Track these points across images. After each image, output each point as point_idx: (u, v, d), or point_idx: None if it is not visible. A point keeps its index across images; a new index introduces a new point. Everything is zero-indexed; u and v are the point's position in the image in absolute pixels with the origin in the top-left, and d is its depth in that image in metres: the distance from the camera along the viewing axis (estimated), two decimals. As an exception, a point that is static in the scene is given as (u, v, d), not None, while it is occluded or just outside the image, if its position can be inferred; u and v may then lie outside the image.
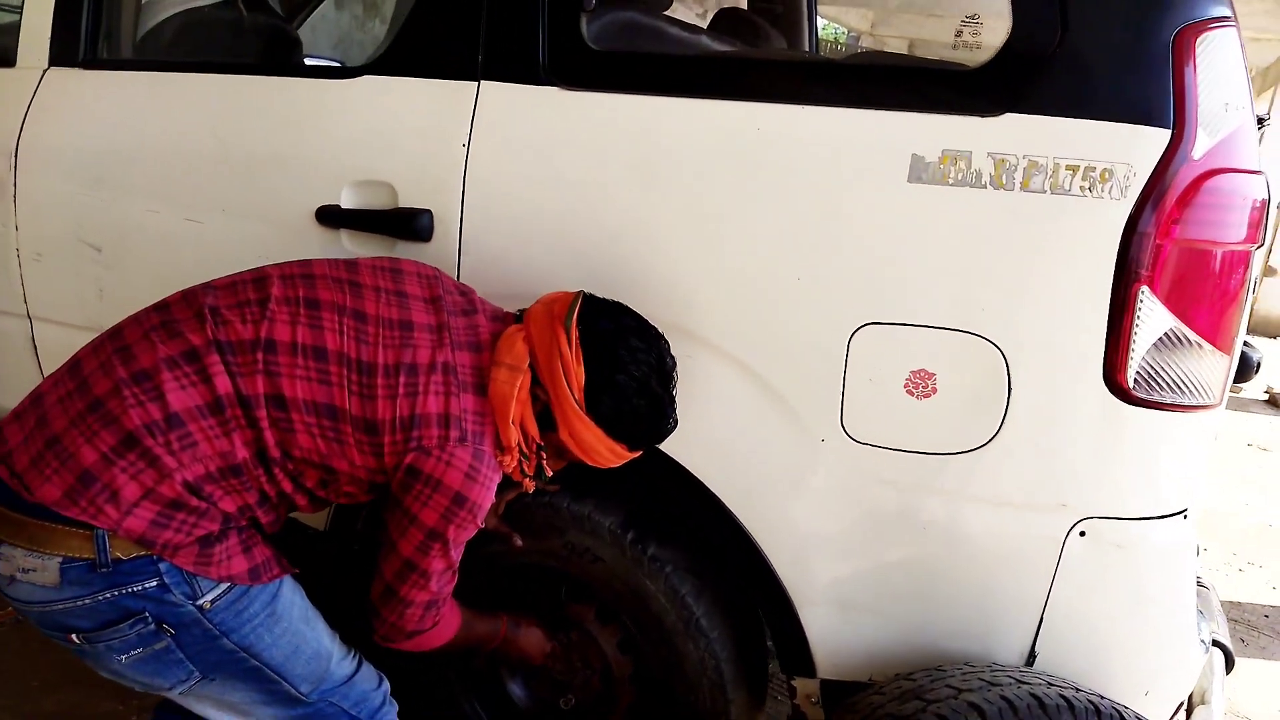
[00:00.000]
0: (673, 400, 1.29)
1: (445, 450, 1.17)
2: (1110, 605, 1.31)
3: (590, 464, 1.30)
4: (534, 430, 1.25)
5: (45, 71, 1.85)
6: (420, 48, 1.54)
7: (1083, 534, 1.28)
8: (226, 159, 1.65)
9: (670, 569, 1.47)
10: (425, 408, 1.18)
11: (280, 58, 2.11)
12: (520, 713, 1.72)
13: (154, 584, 1.10)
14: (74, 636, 1.12)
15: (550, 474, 1.30)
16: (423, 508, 1.18)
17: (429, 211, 1.49)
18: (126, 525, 1.08)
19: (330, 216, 1.56)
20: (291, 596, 1.23)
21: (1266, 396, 6.46)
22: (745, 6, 2.78)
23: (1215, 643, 1.63)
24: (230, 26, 2.07)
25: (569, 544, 1.51)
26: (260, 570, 1.17)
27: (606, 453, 1.27)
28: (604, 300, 1.30)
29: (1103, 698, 1.20)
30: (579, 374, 1.22)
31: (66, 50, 1.83)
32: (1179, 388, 1.25)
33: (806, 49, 2.79)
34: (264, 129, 1.64)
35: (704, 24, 2.47)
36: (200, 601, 1.13)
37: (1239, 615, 3.13)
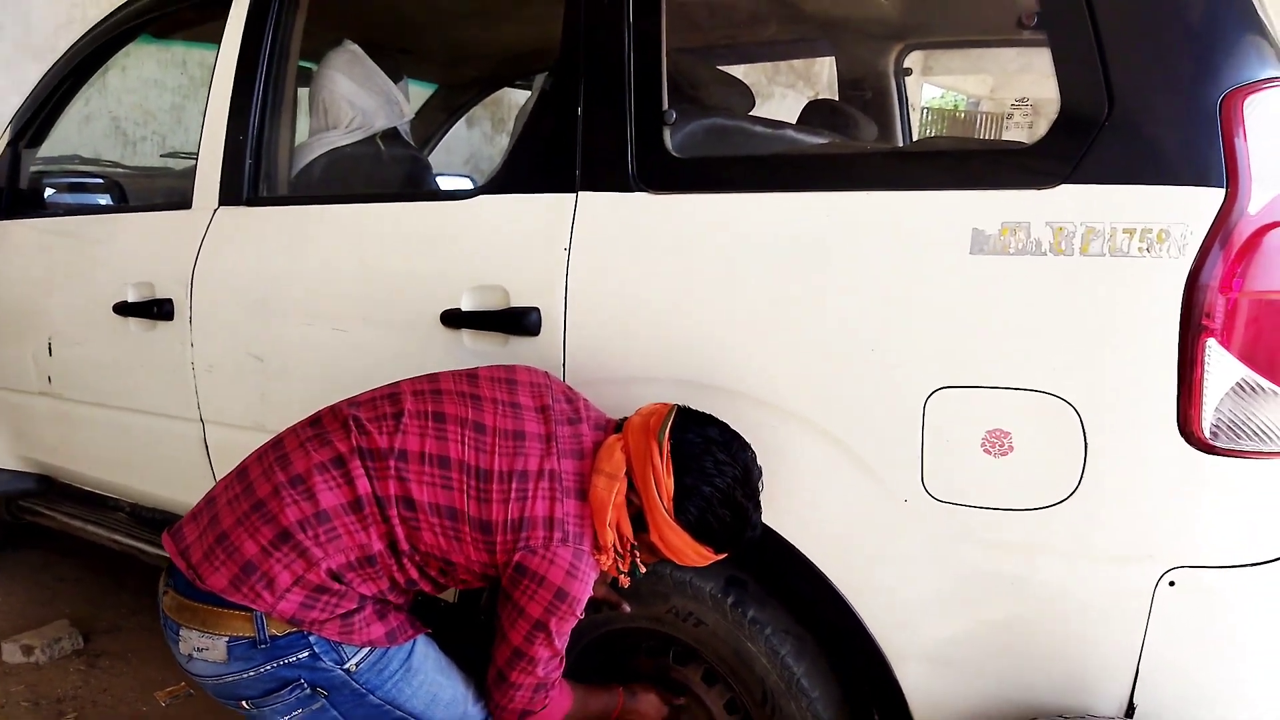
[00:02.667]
0: (758, 506, 1.40)
1: (550, 550, 1.32)
2: (1206, 654, 1.31)
3: (678, 562, 1.41)
4: (628, 532, 1.38)
5: (216, 210, 2.16)
6: (527, 167, 1.75)
7: (1172, 584, 1.29)
8: (366, 276, 1.89)
9: (770, 630, 1.55)
10: (534, 511, 1.33)
11: (413, 183, 2.40)
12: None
13: (306, 654, 1.28)
14: (244, 703, 1.32)
15: (643, 570, 1.43)
16: (529, 601, 1.33)
17: (537, 309, 1.67)
18: (280, 608, 1.26)
19: (452, 318, 1.76)
20: (425, 651, 1.39)
21: None
22: (837, 97, 2.92)
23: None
24: (370, 160, 2.36)
25: (673, 609, 1.61)
26: (396, 633, 1.34)
27: (694, 555, 1.38)
28: (696, 413, 1.43)
29: (1203, 749, 1.20)
30: (669, 484, 1.35)
31: (233, 191, 2.15)
32: (1258, 435, 1.26)
33: (899, 130, 2.90)
34: (396, 247, 1.87)
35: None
36: (347, 665, 1.30)
37: None
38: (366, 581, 1.31)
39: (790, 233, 1.48)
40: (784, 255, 1.48)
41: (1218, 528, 1.29)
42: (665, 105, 1.62)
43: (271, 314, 2.04)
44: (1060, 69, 1.35)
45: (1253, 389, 1.26)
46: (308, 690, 1.29)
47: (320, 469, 1.31)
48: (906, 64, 2.88)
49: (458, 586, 1.42)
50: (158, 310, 2.19)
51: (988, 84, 15.27)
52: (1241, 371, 1.25)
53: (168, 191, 2.90)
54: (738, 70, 3.34)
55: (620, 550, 1.38)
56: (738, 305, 1.51)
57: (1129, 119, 1.30)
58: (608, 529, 1.35)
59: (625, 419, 1.46)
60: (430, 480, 1.32)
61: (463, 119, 3.72)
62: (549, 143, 1.72)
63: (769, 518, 1.50)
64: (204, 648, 1.28)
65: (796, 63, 8.69)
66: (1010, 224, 1.33)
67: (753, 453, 1.41)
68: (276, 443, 1.40)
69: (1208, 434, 1.26)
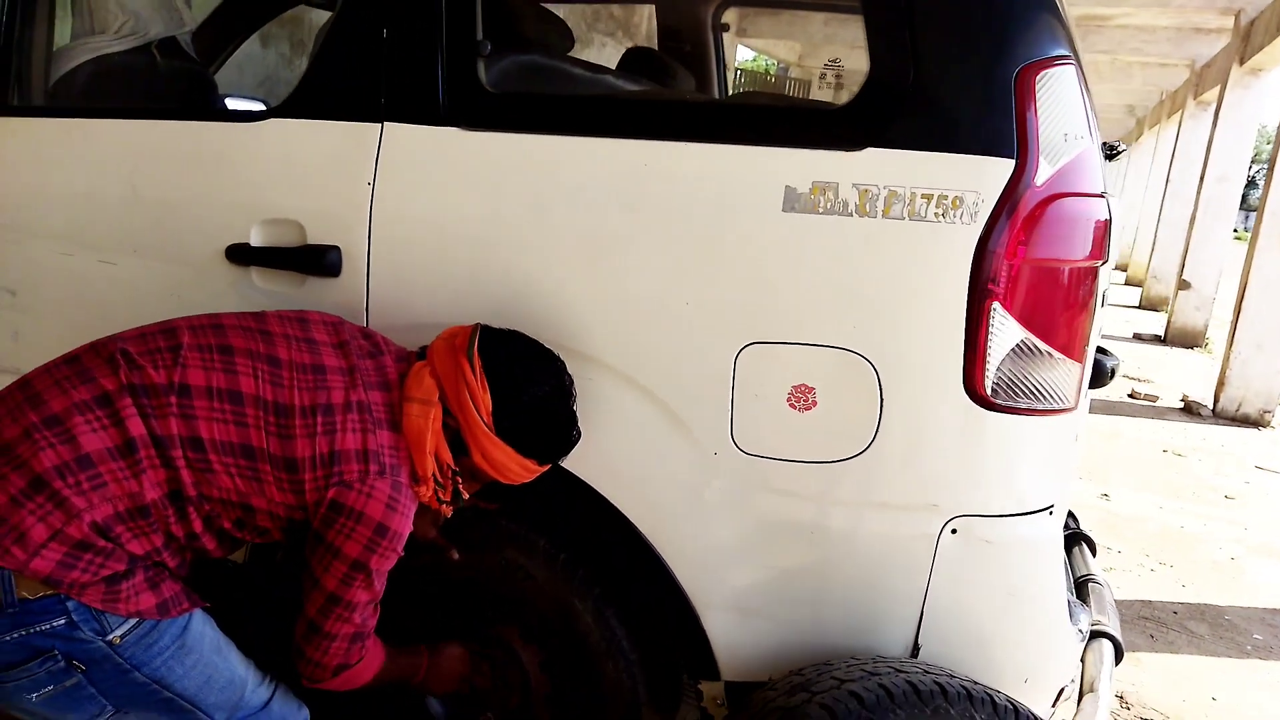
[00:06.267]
0: (573, 414, 1.37)
1: (366, 483, 1.24)
2: (984, 598, 1.41)
3: (504, 481, 1.37)
4: (448, 458, 1.32)
5: (-44, 119, 1.87)
6: (326, 90, 1.60)
7: (954, 531, 1.38)
8: (137, 202, 1.69)
9: (599, 590, 1.54)
10: (344, 444, 1.24)
11: (194, 101, 2.16)
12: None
13: (62, 622, 1.13)
14: None
15: (465, 497, 1.37)
16: (346, 540, 1.24)
17: (337, 248, 1.55)
18: (33, 566, 1.11)
19: (239, 254, 1.61)
20: (202, 629, 1.26)
21: (1183, 404, 6.75)
22: (655, 47, 2.89)
23: (1105, 634, 1.74)
24: (144, 71, 2.10)
25: (504, 560, 1.56)
26: (169, 605, 1.21)
27: (518, 469, 1.35)
28: (500, 330, 1.38)
29: (976, 683, 1.29)
30: (485, 399, 1.30)
31: (-23, 98, 1.86)
32: (1034, 394, 1.36)
33: (716, 86, 2.91)
34: (173, 171, 1.68)
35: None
36: (109, 637, 1.16)
37: (1149, 613, 3.28)
38: (137, 538, 1.18)
39: (607, 180, 1.44)
40: (599, 203, 1.44)
41: (996, 480, 1.39)
42: (480, 35, 1.52)
43: (24, 241, 1.79)
44: (871, 37, 1.37)
45: (1031, 351, 1.34)
46: (62, 663, 1.14)
47: (81, 408, 1.16)
48: (724, 19, 2.89)
49: (253, 540, 1.31)
50: (-122, 232, 1.88)
51: (796, 50, 15.78)
52: (1022, 334, 1.33)
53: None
54: (558, 11, 3.23)
55: (440, 479, 1.32)
56: (552, 253, 1.46)
57: (932, 88, 1.35)
58: (428, 457, 1.29)
59: (424, 347, 1.39)
60: (220, 417, 1.20)
61: (256, 37, 3.41)
62: (351, 66, 1.58)
63: (580, 469, 1.48)
64: None
65: (617, 11, 8.61)
66: (820, 184, 1.36)
67: (562, 362, 1.39)
68: (24, 383, 1.22)
69: (989, 392, 1.34)
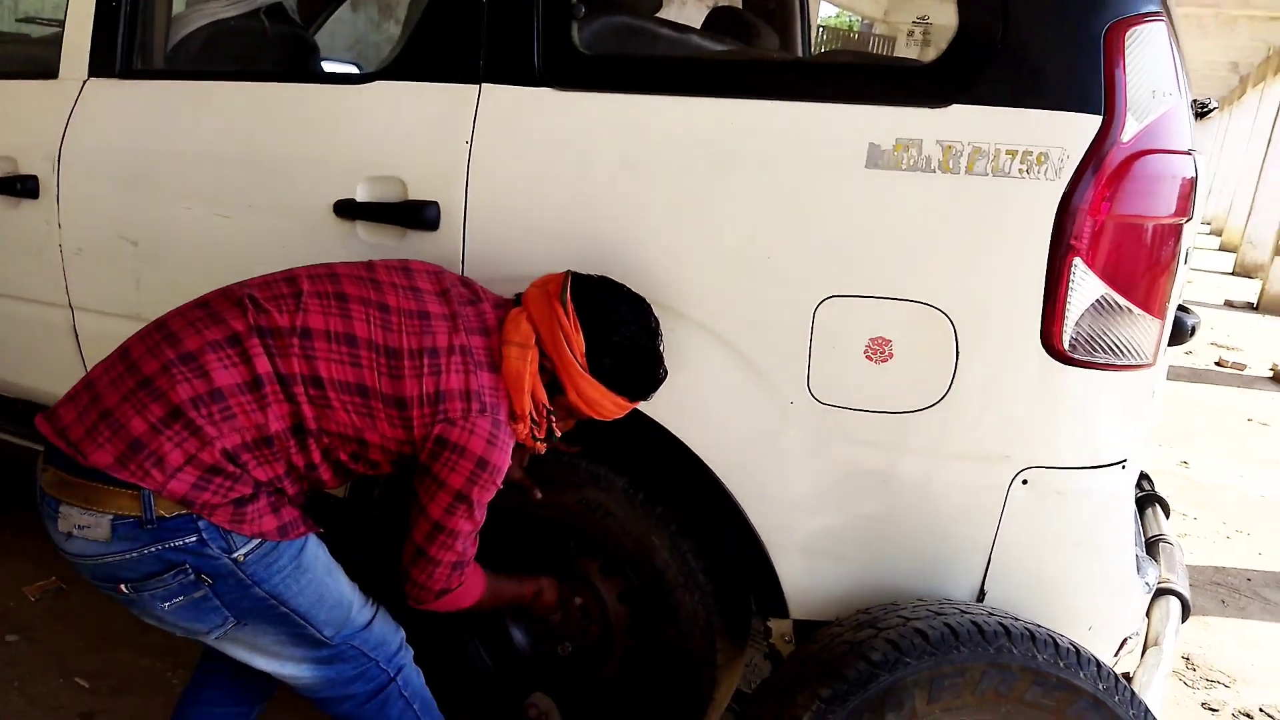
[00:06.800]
0: (661, 352, 1.45)
1: (469, 420, 1.34)
2: (1052, 547, 1.45)
3: (597, 418, 1.46)
4: (543, 397, 1.42)
5: (85, 82, 2.01)
6: (427, 54, 1.69)
7: (1025, 482, 1.42)
8: (252, 159, 1.81)
9: (674, 527, 1.62)
10: (449, 384, 1.34)
11: (300, 65, 2.27)
12: (520, 656, 1.88)
13: (193, 539, 1.25)
14: (123, 587, 1.28)
15: (559, 434, 1.47)
16: (450, 473, 1.34)
17: (436, 204, 1.65)
18: (170, 487, 1.23)
19: (346, 209, 1.71)
20: (315, 551, 1.38)
21: (1271, 373, 6.53)
22: (740, 5, 2.90)
23: (1173, 591, 1.76)
24: (254, 36, 2.22)
25: (584, 499, 1.66)
26: (288, 528, 1.33)
27: (611, 406, 1.44)
28: (590, 275, 1.46)
29: (1040, 626, 1.34)
30: (579, 341, 1.39)
31: (104, 62, 2.00)
32: (1113, 349, 1.38)
33: (799, 43, 2.91)
34: (286, 131, 1.79)
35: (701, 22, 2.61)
36: (235, 555, 1.28)
37: (1222, 579, 3.25)
38: (262, 465, 1.30)
39: (694, 138, 1.49)
40: (686, 160, 1.49)
41: (1069, 433, 1.42)
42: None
43: (147, 195, 1.93)
44: (961, -8, 1.39)
45: (1111, 307, 1.37)
46: (192, 576, 1.27)
47: (214, 346, 1.28)
48: (809, -24, 2.89)
49: (366, 471, 1.42)
50: (21, 187, 2.03)
51: (882, 6, 15.42)
52: (1102, 289, 1.35)
53: (26, 59, 2.66)
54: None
55: (536, 417, 1.42)
56: (640, 209, 1.53)
57: (1019, 44, 1.36)
58: (525, 396, 1.39)
59: (521, 294, 1.48)
60: (338, 358, 1.31)
61: (348, 1, 3.53)
62: (451, 31, 1.66)
63: (662, 416, 1.56)
64: (86, 525, 1.23)
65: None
66: (904, 140, 1.39)
67: (649, 304, 1.47)
68: (160, 324, 1.34)
69: (1067, 346, 1.37)
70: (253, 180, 1.82)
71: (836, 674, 1.28)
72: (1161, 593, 1.72)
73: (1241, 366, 6.61)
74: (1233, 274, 12.17)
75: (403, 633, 1.51)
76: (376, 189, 1.70)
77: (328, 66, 2.80)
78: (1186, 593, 1.79)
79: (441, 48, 1.67)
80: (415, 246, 1.68)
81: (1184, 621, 1.77)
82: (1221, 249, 14.81)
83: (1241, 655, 2.76)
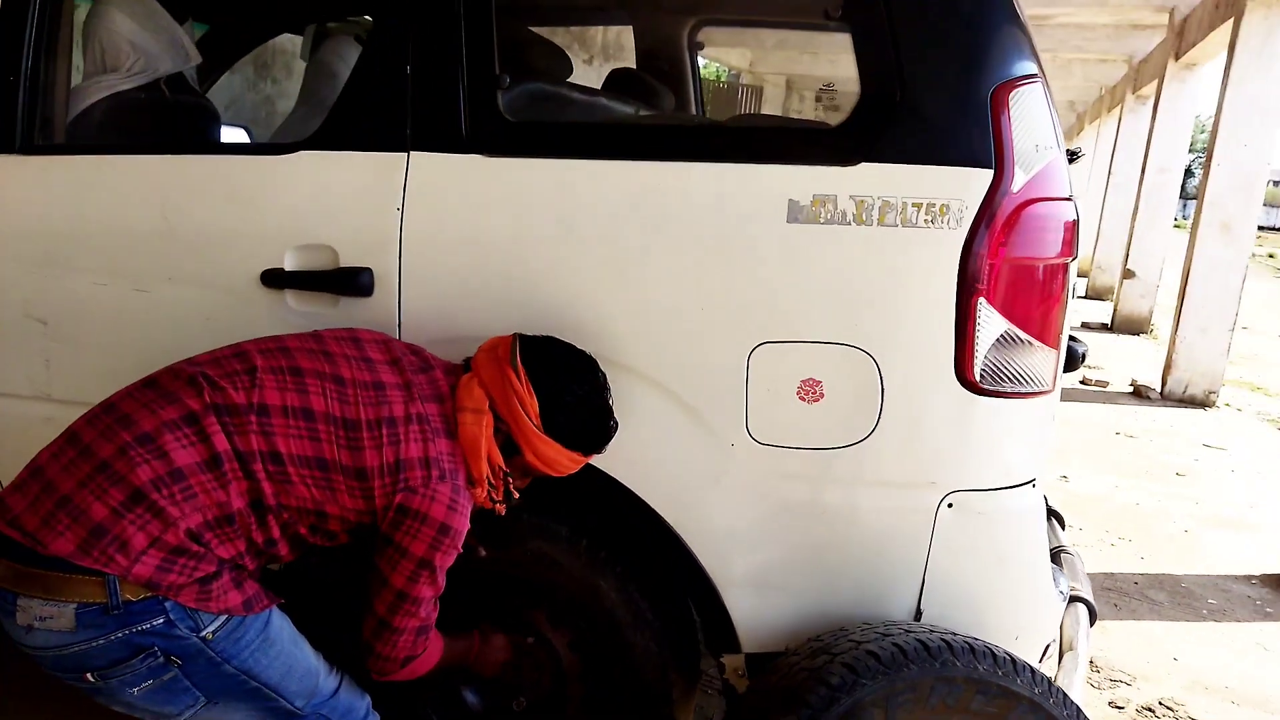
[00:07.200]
0: (611, 406, 1.51)
1: (429, 487, 1.36)
2: (978, 565, 1.57)
3: (553, 475, 1.51)
4: (499, 460, 1.46)
5: (-17, 159, 1.94)
6: (354, 125, 1.71)
7: (950, 505, 1.53)
8: (170, 232, 1.79)
9: (620, 569, 1.67)
10: (408, 453, 1.36)
11: (202, 132, 2.26)
12: (476, 718, 1.87)
13: (161, 621, 1.24)
14: (89, 675, 1.25)
15: (516, 496, 1.50)
16: (413, 540, 1.36)
17: (369, 270, 1.67)
18: (136, 571, 1.21)
19: (274, 278, 1.71)
20: (280, 623, 1.37)
21: (1132, 389, 7.04)
22: (634, 65, 3.02)
23: (1080, 599, 1.91)
24: (155, 106, 2.20)
25: (529, 551, 1.68)
26: (252, 602, 1.32)
27: (568, 462, 1.49)
28: (536, 337, 1.51)
29: (977, 639, 1.44)
30: (533, 403, 1.44)
31: (4, 137, 1.94)
32: (1017, 378, 1.52)
33: (693, 101, 3.06)
34: (206, 203, 1.78)
35: (589, 77, 2.71)
36: (203, 633, 1.27)
37: (1112, 584, 3.49)
38: (224, 543, 1.29)
39: (625, 200, 1.57)
40: (619, 221, 1.57)
41: (985, 457, 1.55)
42: (498, 69, 1.65)
43: (56, 273, 1.87)
44: (861, 60, 1.53)
45: (1013, 340, 1.50)
46: (161, 659, 1.24)
47: (171, 426, 1.27)
48: (699, 38, 3.04)
49: (323, 543, 1.42)
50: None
51: (747, 58, 16.05)
52: (1005, 325, 1.49)
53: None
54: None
55: (494, 480, 1.45)
56: (576, 268, 1.59)
57: (917, 107, 1.50)
58: (483, 461, 1.43)
59: (468, 359, 1.52)
60: (296, 433, 1.32)
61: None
62: (377, 101, 1.70)
63: (608, 465, 1.61)
64: (48, 616, 1.20)
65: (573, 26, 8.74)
66: (820, 196, 1.50)
67: (595, 360, 1.52)
68: (109, 406, 1.32)
69: (978, 378, 1.50)
70: (172, 253, 1.79)
71: (800, 700, 1.35)
72: (1071, 600, 1.86)
73: (1105, 384, 7.11)
74: (1086, 297, 13.08)
75: (368, 699, 1.51)
76: (305, 257, 1.71)
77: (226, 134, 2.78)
78: (1092, 599, 1.94)
79: (368, 118, 1.71)
80: (349, 313, 1.70)
81: (1092, 626, 1.91)
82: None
83: (1138, 654, 2.97)
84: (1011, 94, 1.49)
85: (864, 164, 1.50)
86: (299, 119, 2.68)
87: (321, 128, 1.75)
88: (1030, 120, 1.50)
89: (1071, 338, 1.77)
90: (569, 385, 1.46)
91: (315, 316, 1.71)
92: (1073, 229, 1.55)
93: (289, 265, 1.71)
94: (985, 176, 1.47)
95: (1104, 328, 10.22)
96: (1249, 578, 3.69)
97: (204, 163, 1.83)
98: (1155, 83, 9.62)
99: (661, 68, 2.96)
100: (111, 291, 1.84)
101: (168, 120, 2.21)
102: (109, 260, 1.84)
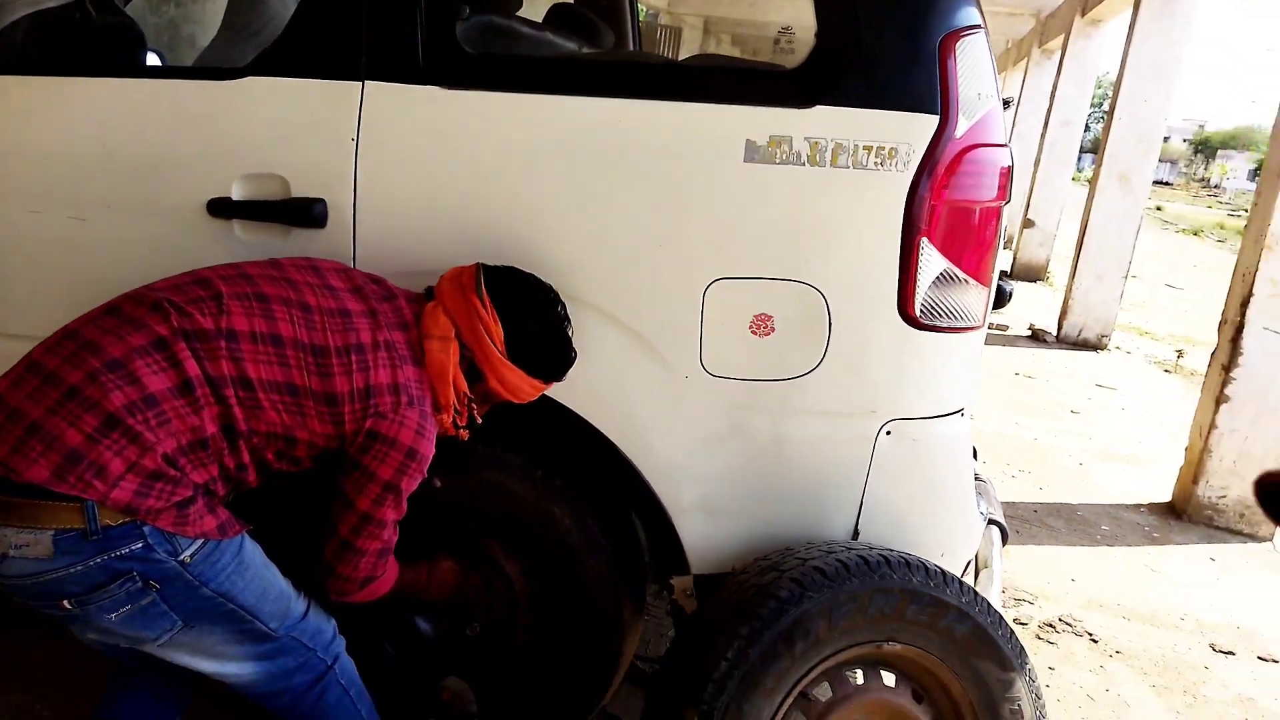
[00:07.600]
0: (570, 336, 1.55)
1: (398, 413, 1.39)
2: (911, 487, 1.68)
3: (515, 401, 1.55)
4: (464, 386, 1.49)
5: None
6: (305, 50, 1.68)
7: (889, 433, 1.64)
8: (110, 159, 1.73)
9: (574, 495, 1.72)
10: (377, 379, 1.38)
11: (130, 55, 2.16)
12: (429, 643, 1.92)
13: (139, 545, 1.24)
14: (66, 603, 1.24)
15: (479, 420, 1.54)
16: (381, 464, 1.39)
17: (323, 200, 1.65)
18: (114, 496, 1.21)
19: (221, 207, 1.68)
20: (252, 548, 1.39)
21: (1030, 332, 7.40)
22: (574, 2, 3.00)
23: (994, 521, 2.06)
24: (81, 27, 2.09)
25: (484, 481, 1.73)
26: (226, 527, 1.33)
27: (530, 389, 1.53)
28: (499, 267, 1.54)
29: (910, 554, 1.56)
30: (499, 331, 1.47)
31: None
32: (952, 314, 1.62)
33: (631, 39, 3.06)
34: (147, 129, 1.73)
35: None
36: (181, 557, 1.27)
37: (1013, 513, 3.73)
38: (198, 468, 1.29)
39: (586, 136, 1.59)
40: (580, 157, 1.59)
41: (922, 388, 1.65)
42: (457, -1, 1.64)
43: (-15, 198, 1.80)
44: (820, 5, 1.57)
45: (951, 278, 1.60)
46: (139, 583, 1.25)
47: (140, 352, 1.26)
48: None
49: (288, 469, 1.43)
50: None
51: (665, -2, 15.84)
52: (944, 264, 1.59)
53: None
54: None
55: (459, 406, 1.49)
56: (536, 203, 1.61)
57: (870, 54, 1.56)
58: (449, 387, 1.46)
59: (430, 288, 1.54)
60: (265, 358, 1.32)
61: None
62: (330, 26, 1.67)
63: (565, 397, 1.66)
64: (24, 544, 1.19)
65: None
66: (777, 137, 1.56)
67: (555, 291, 1.56)
68: (70, 333, 1.30)
69: (919, 313, 1.59)
70: (111, 179, 1.74)
71: (751, 613, 1.45)
72: (987, 523, 2.01)
73: (1005, 327, 7.45)
74: (989, 245, 13.58)
75: (334, 622, 1.54)
76: (254, 187, 1.68)
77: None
78: (1004, 521, 2.10)
79: (320, 43, 1.68)
80: (301, 244, 1.68)
81: (1004, 547, 2.07)
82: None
83: (1038, 575, 3.20)
84: (958, 43, 1.56)
85: (819, 106, 1.55)
86: (223, 44, 2.58)
87: (270, 52, 1.71)
88: (974, 69, 1.57)
89: (1001, 276, 1.88)
90: (533, 313, 1.50)
91: (265, 247, 1.68)
92: (1008, 174, 1.64)
93: (236, 194, 1.68)
94: (932, 122, 1.54)
95: (1004, 275, 10.57)
96: (1138, 506, 3.99)
97: (144, 86, 1.77)
98: (1061, 37, 9.92)
99: (600, 3, 2.95)
100: (45, 220, 1.77)
101: (95, 42, 2.10)
102: (39, 187, 1.77)
